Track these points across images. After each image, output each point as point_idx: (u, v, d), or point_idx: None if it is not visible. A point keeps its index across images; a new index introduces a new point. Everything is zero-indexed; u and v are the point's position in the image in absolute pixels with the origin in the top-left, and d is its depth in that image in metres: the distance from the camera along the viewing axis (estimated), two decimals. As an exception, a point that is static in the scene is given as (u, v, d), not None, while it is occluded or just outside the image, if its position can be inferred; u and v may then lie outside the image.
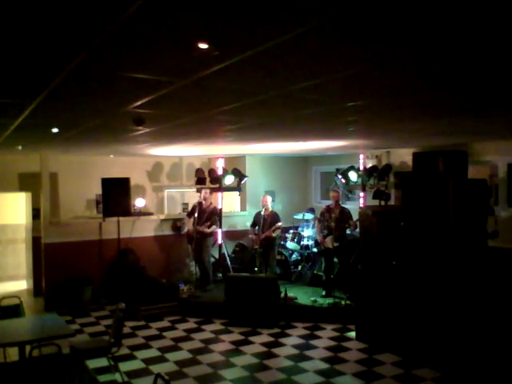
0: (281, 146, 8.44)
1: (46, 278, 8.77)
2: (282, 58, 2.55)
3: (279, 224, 8.89)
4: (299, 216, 10.22)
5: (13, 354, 5.47)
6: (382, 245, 6.70)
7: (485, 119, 5.16)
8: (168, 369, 5.99)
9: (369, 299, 6.86)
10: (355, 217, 8.03)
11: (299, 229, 10.08)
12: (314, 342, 6.96)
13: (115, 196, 8.81)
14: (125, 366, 6.05)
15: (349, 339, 7.04)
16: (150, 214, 10.51)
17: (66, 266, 8.73)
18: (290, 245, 9.85)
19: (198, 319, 8.06)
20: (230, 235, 10.31)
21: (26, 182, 9.76)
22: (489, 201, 6.61)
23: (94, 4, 1.76)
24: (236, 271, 9.33)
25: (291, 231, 10.11)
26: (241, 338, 7.19)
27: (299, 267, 9.71)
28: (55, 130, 5.51)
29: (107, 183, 8.94)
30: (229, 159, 11.02)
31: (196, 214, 8.87)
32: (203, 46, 2.26)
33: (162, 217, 10.06)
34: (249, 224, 9.37)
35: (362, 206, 9.15)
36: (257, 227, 8.92)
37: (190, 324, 7.90)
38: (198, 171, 9.73)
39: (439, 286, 6.00)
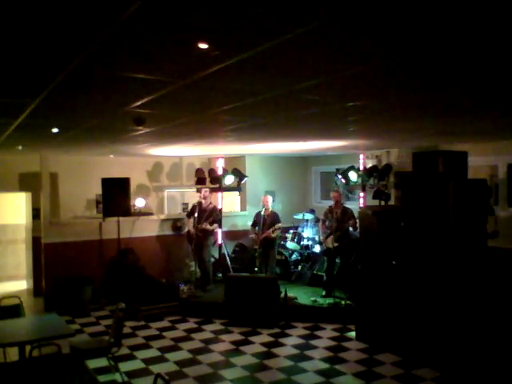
0: (281, 146, 8.44)
1: (46, 278, 8.77)
2: (282, 58, 2.55)
3: (279, 225, 8.89)
4: (299, 216, 10.22)
5: (13, 354, 5.47)
6: (382, 245, 6.70)
7: (485, 119, 5.16)
8: (168, 369, 5.99)
9: (369, 299, 6.86)
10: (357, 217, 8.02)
11: (299, 229, 10.08)
12: (314, 342, 6.96)
13: (115, 196, 8.81)
14: (125, 366, 6.06)
15: (349, 339, 7.04)
16: (150, 213, 10.51)
17: (65, 266, 8.73)
18: (290, 245, 9.85)
19: (197, 319, 8.06)
20: (230, 235, 10.31)
21: (26, 182, 9.76)
22: (489, 201, 6.61)
23: (94, 4, 1.76)
24: (236, 271, 9.33)
25: (291, 231, 10.11)
26: (241, 338, 7.19)
27: (299, 267, 9.71)
28: (55, 130, 5.51)
29: (107, 183, 8.93)
30: (229, 159, 11.02)
31: (196, 214, 8.87)
32: (203, 46, 2.26)
33: (162, 217, 10.07)
34: (250, 223, 9.37)
35: (362, 205, 9.16)
36: (257, 227, 8.92)
37: (190, 324, 7.90)
38: (198, 171, 9.73)
39: (439, 286, 5.99)
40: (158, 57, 2.53)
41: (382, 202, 8.01)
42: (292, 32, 2.07)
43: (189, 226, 9.09)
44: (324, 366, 6.16)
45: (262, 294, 7.64)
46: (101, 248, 9.19)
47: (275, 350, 6.69)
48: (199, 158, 11.86)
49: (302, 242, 9.86)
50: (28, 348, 4.83)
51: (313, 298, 8.16)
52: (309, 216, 10.15)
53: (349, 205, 9.00)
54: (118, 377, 5.75)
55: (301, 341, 7.04)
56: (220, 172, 9.78)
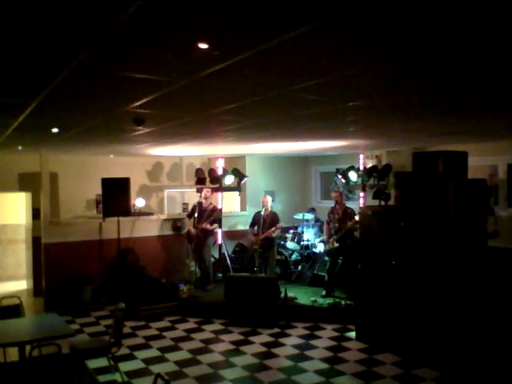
0: (281, 146, 8.44)
1: (46, 278, 8.77)
2: (282, 58, 2.55)
3: (280, 224, 8.90)
4: (299, 216, 10.21)
5: (13, 354, 5.47)
6: (382, 245, 6.70)
7: (485, 119, 5.16)
8: (168, 369, 5.99)
9: (369, 299, 6.86)
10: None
11: (299, 229, 10.08)
12: (313, 342, 6.96)
13: (115, 196, 8.81)
14: (125, 366, 6.05)
15: (349, 339, 7.04)
16: (150, 213, 10.52)
17: (65, 266, 8.73)
18: (290, 245, 9.85)
19: (197, 319, 8.06)
20: (230, 235, 10.31)
21: (26, 182, 9.76)
22: (489, 201, 6.61)
23: (94, 4, 1.76)
24: (236, 271, 9.33)
25: (291, 231, 10.11)
26: (241, 338, 7.19)
27: (299, 267, 9.71)
28: (55, 130, 5.51)
29: (107, 183, 8.93)
30: (229, 159, 11.02)
31: (196, 214, 8.87)
32: (203, 46, 2.26)
33: (162, 217, 10.06)
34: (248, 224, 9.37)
35: (362, 205, 9.16)
36: (255, 227, 8.92)
37: (190, 324, 7.90)
38: (198, 171, 9.73)
39: (439, 286, 5.99)
40: (158, 57, 2.53)
41: (382, 202, 8.01)
42: (292, 32, 2.07)
43: (189, 226, 9.09)
44: (324, 365, 6.16)
45: (262, 294, 7.64)
46: (101, 248, 9.19)
47: (275, 350, 6.69)
48: (199, 157, 11.86)
49: (302, 242, 9.86)
50: (28, 348, 4.84)
51: (313, 298, 8.16)
52: (309, 216, 10.15)
53: (349, 205, 8.99)
54: (117, 377, 5.75)
55: (301, 341, 7.04)
56: (220, 172, 9.78)
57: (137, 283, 8.74)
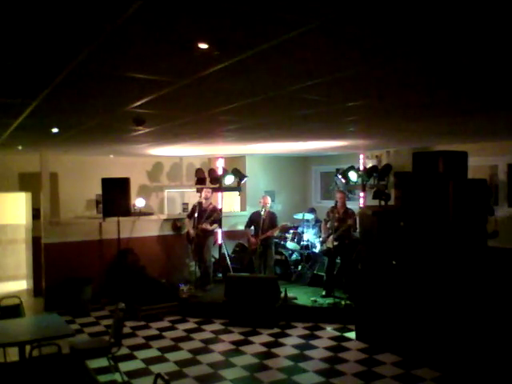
0: (281, 146, 8.44)
1: (46, 278, 8.77)
2: (282, 58, 2.55)
3: (286, 223, 8.98)
4: (299, 216, 10.21)
5: (13, 354, 5.47)
6: (382, 245, 6.70)
7: (485, 120, 5.16)
8: (168, 369, 5.99)
9: (369, 299, 6.86)
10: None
11: (299, 229, 10.08)
12: (313, 342, 6.95)
13: (115, 196, 8.81)
14: (125, 366, 6.05)
15: (349, 339, 7.04)
16: (150, 213, 10.52)
17: (65, 266, 8.73)
18: (290, 245, 9.84)
19: (197, 319, 8.05)
20: (229, 235, 10.31)
21: (26, 182, 9.77)
22: (489, 201, 6.61)
23: (94, 4, 1.76)
24: (236, 271, 9.33)
25: (291, 231, 10.11)
26: (241, 338, 7.19)
27: (299, 267, 9.70)
28: (55, 130, 5.52)
29: (107, 183, 8.93)
30: (229, 159, 11.02)
31: (196, 214, 8.87)
32: (203, 46, 2.26)
33: (163, 217, 10.06)
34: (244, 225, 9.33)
35: (362, 205, 9.16)
36: (252, 227, 8.91)
37: (190, 324, 7.90)
38: (198, 171, 9.73)
39: (439, 286, 5.99)
40: (157, 57, 2.53)
41: (382, 202, 8.01)
42: (292, 32, 2.07)
43: (189, 227, 9.09)
44: (324, 366, 6.16)
45: (262, 294, 7.63)
46: (101, 248, 9.19)
47: (275, 350, 6.69)
48: (199, 157, 11.86)
49: (302, 242, 9.86)
50: (28, 348, 4.83)
51: (313, 298, 8.16)
52: (309, 216, 10.15)
53: (349, 205, 8.99)
54: (118, 377, 5.74)
55: (301, 341, 7.03)
56: (220, 172, 9.78)
57: (137, 283, 8.74)
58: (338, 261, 8.39)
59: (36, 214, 9.61)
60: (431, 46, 2.34)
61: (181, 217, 9.95)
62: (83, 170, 10.50)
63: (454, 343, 5.85)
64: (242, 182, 9.83)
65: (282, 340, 7.09)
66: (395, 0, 1.74)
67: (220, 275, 9.46)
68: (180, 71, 2.84)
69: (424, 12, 1.85)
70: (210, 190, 9.19)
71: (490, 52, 2.45)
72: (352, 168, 9.09)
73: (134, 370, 6.04)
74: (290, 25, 1.99)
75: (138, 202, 10.28)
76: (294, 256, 9.81)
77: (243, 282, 7.91)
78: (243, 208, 11.05)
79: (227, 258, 9.68)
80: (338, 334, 7.28)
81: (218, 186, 9.59)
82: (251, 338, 7.15)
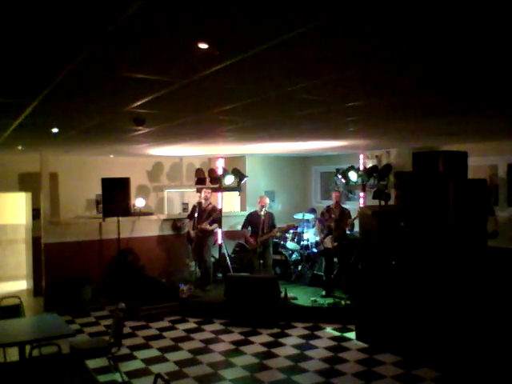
0: (281, 146, 8.44)
1: (46, 278, 8.77)
2: (282, 58, 2.55)
3: (292, 223, 8.98)
4: (299, 216, 10.21)
5: (13, 354, 5.47)
6: (382, 245, 6.70)
7: (485, 120, 5.16)
8: (168, 369, 5.99)
9: (369, 299, 6.86)
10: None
11: (299, 229, 10.08)
12: (313, 342, 6.95)
13: (115, 196, 8.81)
14: (125, 366, 6.05)
15: (349, 339, 7.04)
16: (150, 213, 10.52)
17: (65, 266, 8.73)
18: (290, 245, 9.84)
19: (197, 319, 8.05)
20: (229, 235, 10.31)
21: (26, 182, 9.76)
22: (489, 201, 6.61)
23: (94, 4, 1.76)
24: (236, 271, 9.33)
25: (291, 231, 10.11)
26: (241, 338, 7.19)
27: (299, 267, 9.70)
28: (55, 130, 5.51)
29: (107, 183, 8.93)
30: (229, 159, 11.02)
31: (196, 214, 8.87)
32: (203, 46, 2.26)
33: (162, 217, 10.06)
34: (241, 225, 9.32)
35: (362, 205, 9.16)
36: (249, 228, 8.90)
37: (190, 324, 7.90)
38: (198, 171, 9.73)
39: (439, 286, 5.99)
40: (158, 57, 2.53)
41: (382, 202, 8.01)
42: (292, 32, 2.07)
43: (189, 227, 9.09)
44: (324, 365, 6.16)
45: (262, 294, 7.63)
46: (101, 248, 9.19)
47: (275, 350, 6.69)
48: (199, 157, 11.86)
49: (302, 242, 9.86)
50: (28, 348, 4.83)
51: (313, 298, 8.16)
52: (309, 216, 10.15)
53: (349, 205, 9.02)
54: (118, 377, 5.75)
55: (301, 341, 7.03)
56: (220, 172, 9.77)
57: (137, 283, 8.74)
58: (336, 260, 8.40)
59: (36, 214, 9.61)
60: (432, 46, 2.34)
61: (181, 217, 9.95)
62: (83, 170, 10.50)
63: (454, 343, 5.85)
64: (242, 182, 9.83)
65: (281, 340, 7.09)
66: (395, 2, 1.74)
67: (220, 275, 9.45)
68: (180, 71, 2.84)
69: (425, 11, 1.85)
70: (210, 191, 9.19)
71: (489, 52, 2.45)
72: (352, 168, 9.09)
73: (134, 370, 6.04)
74: (290, 25, 1.99)
75: (138, 202, 10.29)
76: (294, 256, 9.81)
77: (243, 281, 7.91)
78: (243, 208, 11.05)
79: (227, 258, 9.68)
80: (337, 334, 7.29)
81: (217, 186, 9.59)
82: (251, 338, 7.15)
